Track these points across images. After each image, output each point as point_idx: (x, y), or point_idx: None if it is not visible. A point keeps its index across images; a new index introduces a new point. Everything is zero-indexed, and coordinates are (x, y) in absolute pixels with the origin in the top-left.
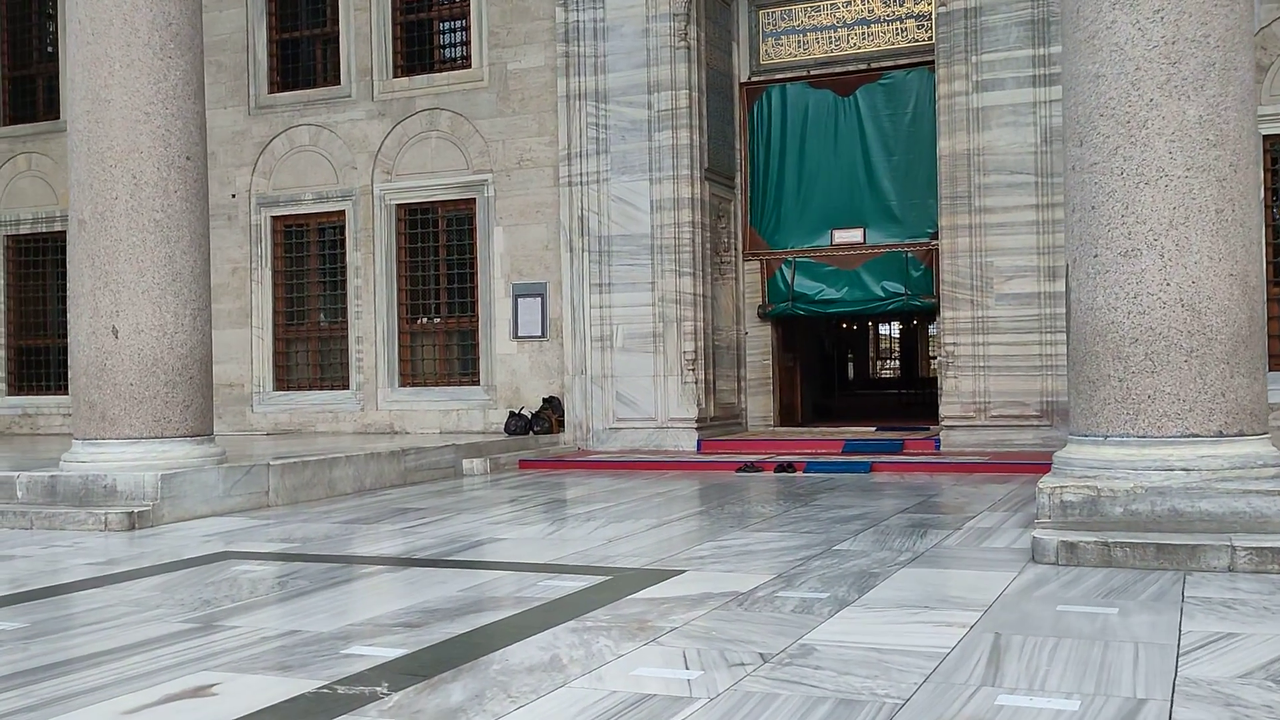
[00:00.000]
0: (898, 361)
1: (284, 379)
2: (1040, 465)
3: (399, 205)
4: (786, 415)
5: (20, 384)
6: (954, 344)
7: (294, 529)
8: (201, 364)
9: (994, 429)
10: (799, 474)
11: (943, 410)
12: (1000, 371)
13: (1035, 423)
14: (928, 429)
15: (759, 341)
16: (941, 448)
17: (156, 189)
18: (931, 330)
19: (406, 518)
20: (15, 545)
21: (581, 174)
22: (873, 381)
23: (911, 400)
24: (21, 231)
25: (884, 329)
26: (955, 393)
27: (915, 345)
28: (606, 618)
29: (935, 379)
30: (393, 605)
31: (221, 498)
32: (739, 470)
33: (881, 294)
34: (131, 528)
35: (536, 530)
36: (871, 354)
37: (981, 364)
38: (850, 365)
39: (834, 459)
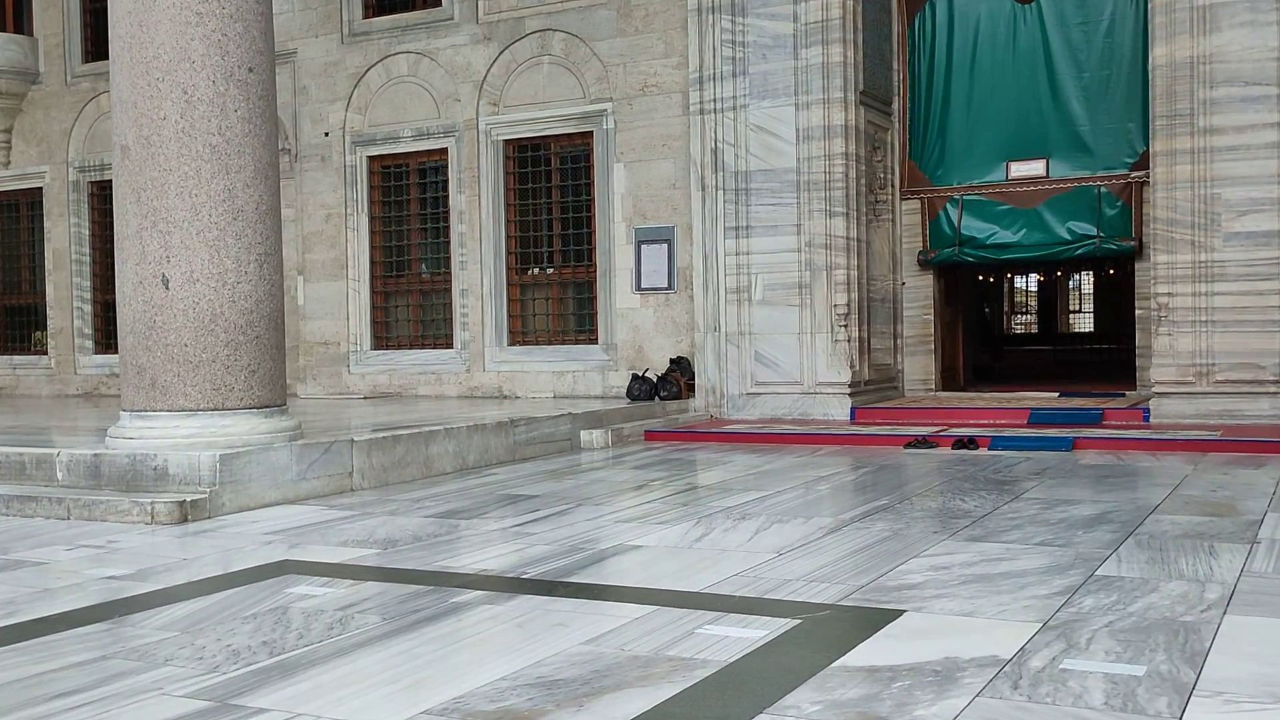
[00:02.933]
0: (1033, 316)
1: (383, 336)
2: None
3: (507, 141)
4: (948, 378)
5: (108, 342)
6: (1169, 294)
7: (377, 525)
8: (270, 320)
9: (1219, 397)
10: (983, 451)
11: (1154, 374)
12: (1229, 327)
13: (1272, 389)
14: (1123, 395)
15: (918, 293)
16: (1152, 419)
17: (212, 107)
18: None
19: (515, 509)
20: (39, 544)
21: (715, 100)
22: (1012, 338)
23: (1067, 359)
24: (107, 177)
25: (1019, 281)
26: (1170, 353)
27: (1054, 299)
28: (816, 707)
29: (1087, 335)
30: (493, 670)
31: (295, 481)
32: (907, 446)
33: (1067, 236)
34: (184, 519)
35: (677, 533)
36: (1006, 308)
37: (1205, 318)
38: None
39: (1024, 433)
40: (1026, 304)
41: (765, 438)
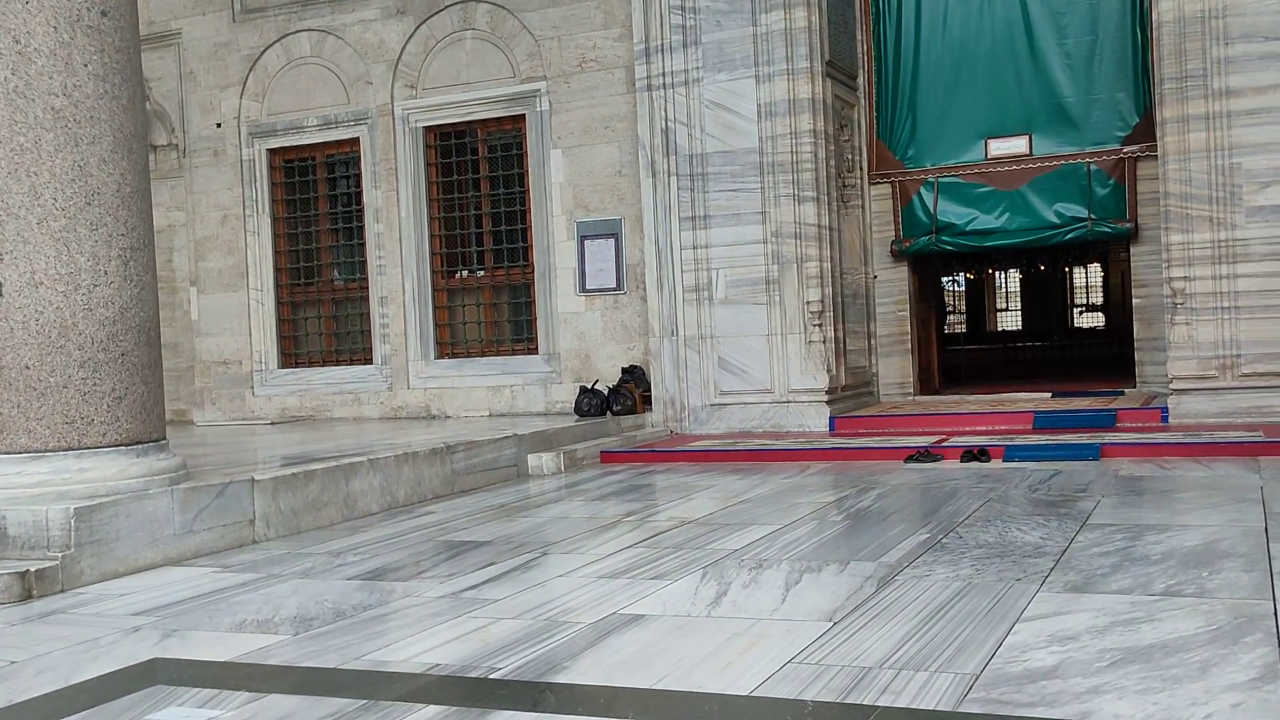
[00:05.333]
0: (960, 316)
1: (291, 353)
2: None
3: (427, 128)
4: (924, 381)
5: None
6: (1186, 278)
7: (286, 594)
8: (140, 333)
9: (1245, 392)
10: (997, 463)
11: (1172, 368)
12: (1255, 313)
13: None
14: (1122, 393)
15: (892, 287)
16: (1171, 419)
17: (54, 60)
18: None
19: (463, 562)
20: None
21: (664, 74)
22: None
23: (1018, 358)
24: None
25: (944, 280)
26: (1189, 344)
27: (982, 298)
28: None
29: (1078, 328)
30: None
31: (179, 536)
32: (909, 460)
33: (1055, 220)
34: (26, 596)
35: (684, 594)
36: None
37: (1228, 304)
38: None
39: (1037, 441)
40: (954, 303)
41: (741, 455)
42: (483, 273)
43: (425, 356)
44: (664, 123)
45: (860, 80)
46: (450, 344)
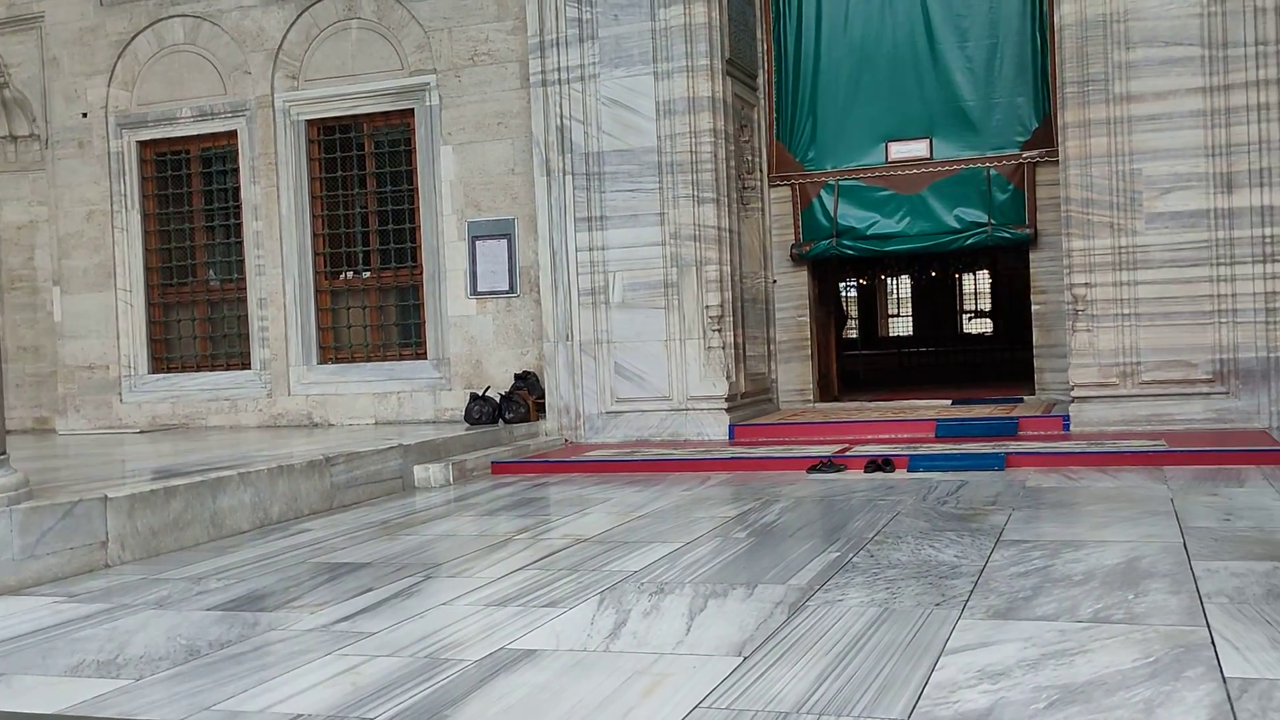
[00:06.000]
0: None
1: (163, 357)
2: (1271, 453)
3: (310, 122)
4: (823, 387)
5: None
6: (1087, 284)
7: (134, 629)
8: None
9: (1146, 400)
10: (902, 473)
11: (1073, 375)
12: (1154, 320)
13: (1205, 389)
14: (1021, 400)
15: (792, 292)
16: (1073, 426)
17: None
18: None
19: (340, 588)
20: None
21: (559, 70)
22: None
23: (911, 364)
24: None
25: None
26: (1090, 351)
27: (874, 302)
28: None
29: (967, 334)
30: None
31: (18, 562)
32: (811, 470)
33: (956, 225)
34: None
35: (579, 625)
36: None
37: (1128, 310)
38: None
39: (941, 450)
40: (848, 309)
41: (638, 465)
42: (369, 274)
43: (307, 361)
44: (559, 120)
45: (760, 80)
46: (334, 348)
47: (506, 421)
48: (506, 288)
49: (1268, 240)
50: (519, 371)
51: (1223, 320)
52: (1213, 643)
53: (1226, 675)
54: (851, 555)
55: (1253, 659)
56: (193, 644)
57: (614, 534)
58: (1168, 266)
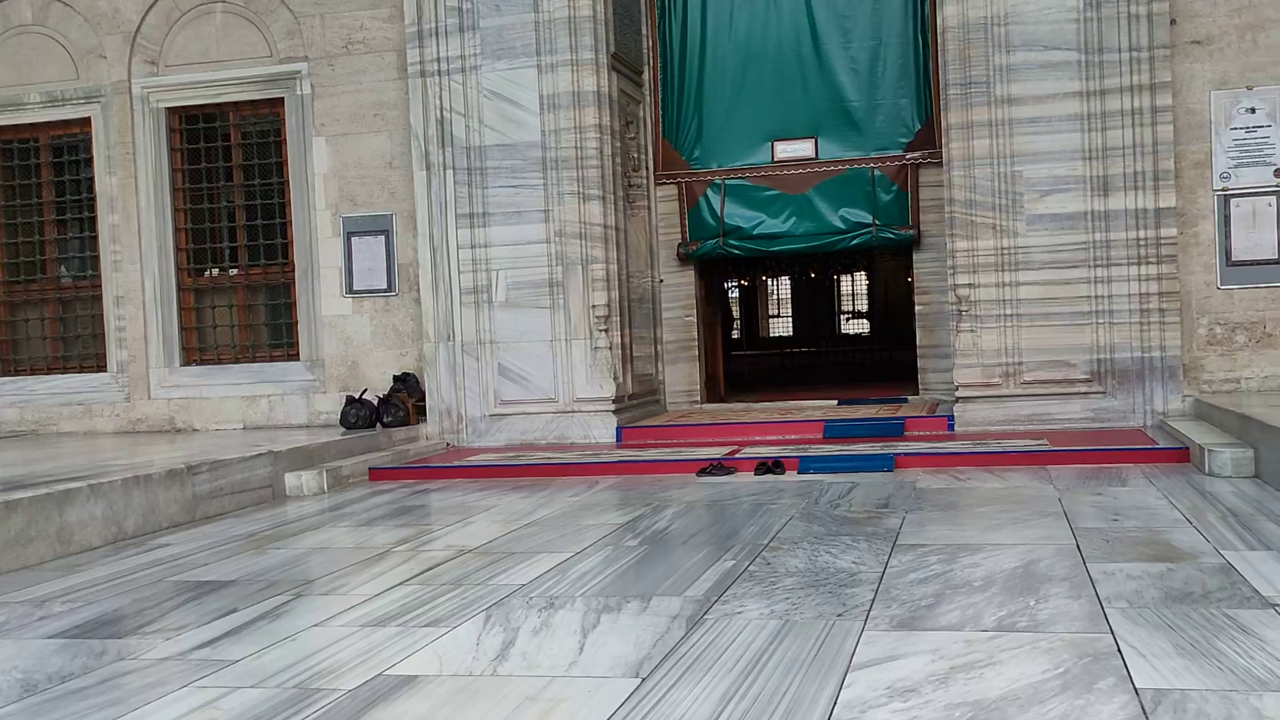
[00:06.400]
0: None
1: (10, 359)
2: (1157, 452)
3: (171, 110)
4: (710, 388)
5: None
6: (970, 285)
7: None
8: None
9: (1028, 400)
10: (792, 475)
11: (958, 375)
12: (1035, 321)
13: (1083, 389)
14: (905, 400)
15: (678, 292)
16: (957, 426)
17: None
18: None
19: (201, 609)
20: None
21: (439, 60)
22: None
23: (796, 364)
24: None
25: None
26: (974, 351)
27: (755, 303)
28: None
29: (845, 335)
30: None
31: None
32: (701, 473)
33: (841, 225)
34: None
35: (464, 646)
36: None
37: (1010, 311)
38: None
39: (830, 451)
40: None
41: (523, 470)
42: (236, 271)
43: (169, 363)
44: (439, 112)
45: (646, 76)
46: (199, 349)
47: (385, 425)
48: (384, 286)
49: (1142, 242)
50: (398, 373)
51: (1100, 321)
52: (1119, 650)
53: (1138, 686)
54: (747, 563)
55: (1161, 667)
56: (29, 678)
57: (499, 544)
58: (1048, 268)
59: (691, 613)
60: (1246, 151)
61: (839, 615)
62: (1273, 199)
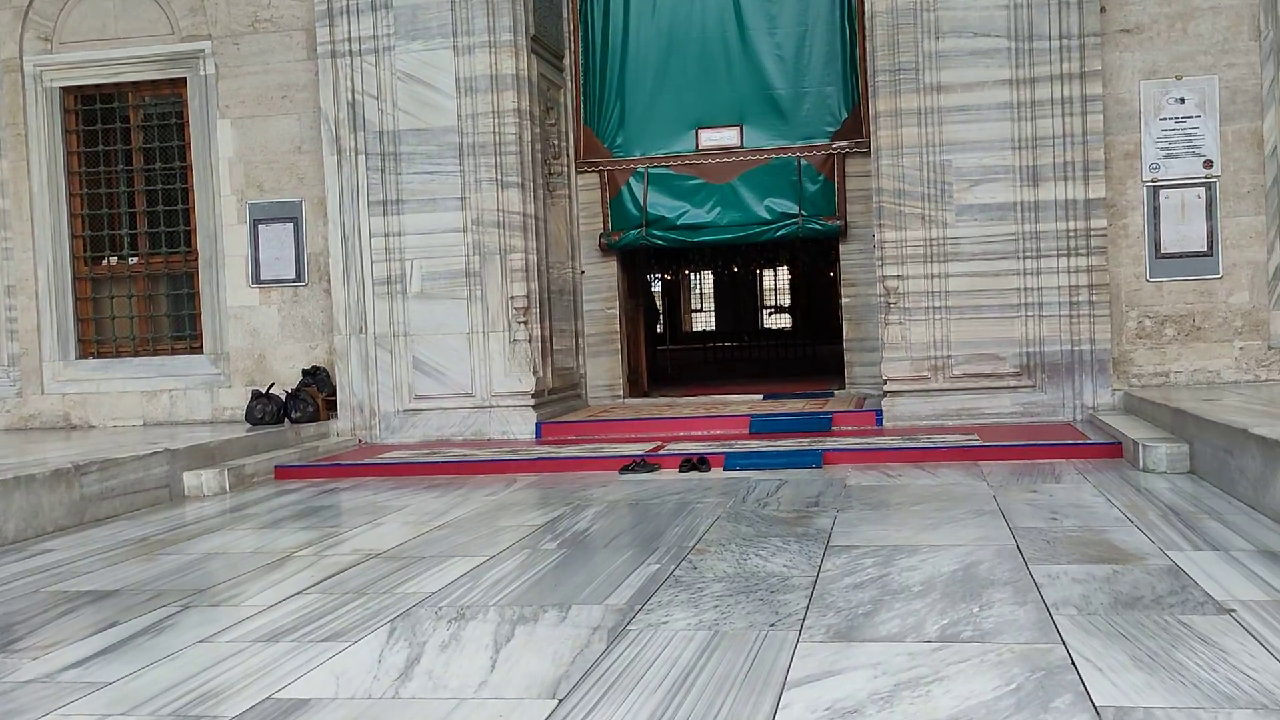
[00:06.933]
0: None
1: None
2: (1090, 447)
3: (66, 89)
4: (633, 382)
5: None
6: (899, 277)
7: None
8: None
9: (957, 394)
10: (718, 472)
11: (886, 369)
12: (965, 314)
13: (1013, 382)
14: (832, 394)
15: (600, 283)
16: (886, 421)
17: None
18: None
19: (73, 626)
20: None
21: (350, 40)
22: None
23: (749, 356)
24: None
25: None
26: (902, 345)
27: (678, 297)
28: None
29: (768, 329)
30: None
31: None
32: (624, 470)
33: (767, 216)
34: None
35: (364, 664)
36: None
37: (940, 303)
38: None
39: (757, 448)
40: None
41: (438, 468)
42: (136, 260)
43: (64, 356)
44: (350, 95)
45: (567, 61)
46: (96, 342)
47: (293, 421)
48: (293, 276)
49: (1071, 234)
50: (307, 367)
51: (1029, 314)
52: (1073, 663)
53: (1098, 704)
54: (673, 567)
55: (1120, 682)
56: None
57: (410, 547)
58: (977, 259)
59: (614, 623)
60: (1176, 142)
61: (771, 625)
62: (1202, 191)
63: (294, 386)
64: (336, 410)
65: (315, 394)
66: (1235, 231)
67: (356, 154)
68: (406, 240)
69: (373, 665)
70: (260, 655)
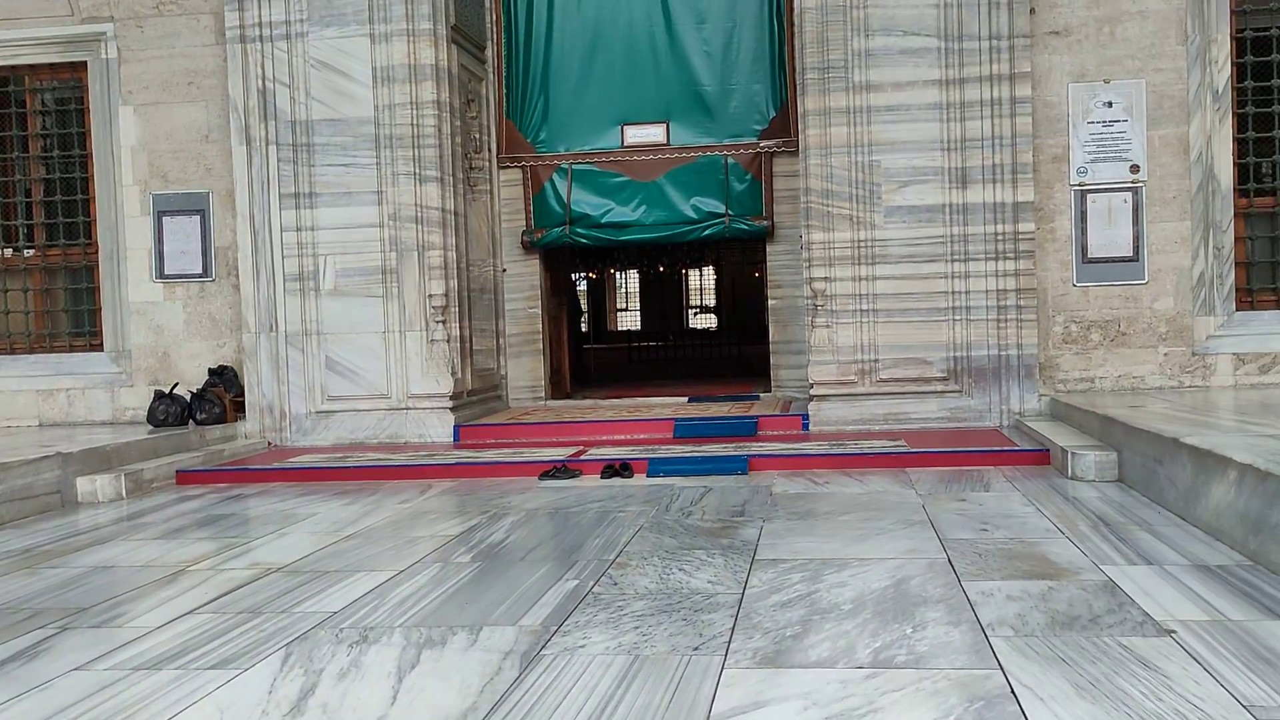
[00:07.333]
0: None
1: None
2: (1017, 454)
3: None
4: (555, 384)
5: None
6: (826, 279)
7: None
8: None
9: (884, 398)
10: (641, 479)
11: (813, 373)
12: (892, 317)
13: (940, 387)
14: (757, 397)
15: (523, 281)
16: (812, 426)
17: None
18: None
19: None
20: None
21: (261, 25)
22: None
23: (673, 357)
24: None
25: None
26: (829, 348)
27: (603, 297)
28: None
29: (693, 329)
30: None
31: None
32: (544, 476)
33: (693, 215)
34: None
35: (253, 693)
36: None
37: (867, 306)
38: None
39: (680, 453)
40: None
41: (350, 473)
42: (31, 252)
43: None
44: (261, 82)
45: (489, 52)
46: None
47: (198, 423)
48: (199, 271)
49: (1000, 237)
50: (214, 366)
51: (957, 318)
52: (1013, 692)
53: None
54: (592, 583)
55: (1063, 713)
56: None
57: (314, 560)
58: (905, 262)
59: (527, 647)
60: (1104, 146)
61: (695, 649)
62: (1128, 195)
63: (200, 386)
64: (245, 412)
65: (222, 394)
66: (1160, 237)
67: (267, 144)
68: (320, 235)
69: (262, 698)
70: (139, 686)
